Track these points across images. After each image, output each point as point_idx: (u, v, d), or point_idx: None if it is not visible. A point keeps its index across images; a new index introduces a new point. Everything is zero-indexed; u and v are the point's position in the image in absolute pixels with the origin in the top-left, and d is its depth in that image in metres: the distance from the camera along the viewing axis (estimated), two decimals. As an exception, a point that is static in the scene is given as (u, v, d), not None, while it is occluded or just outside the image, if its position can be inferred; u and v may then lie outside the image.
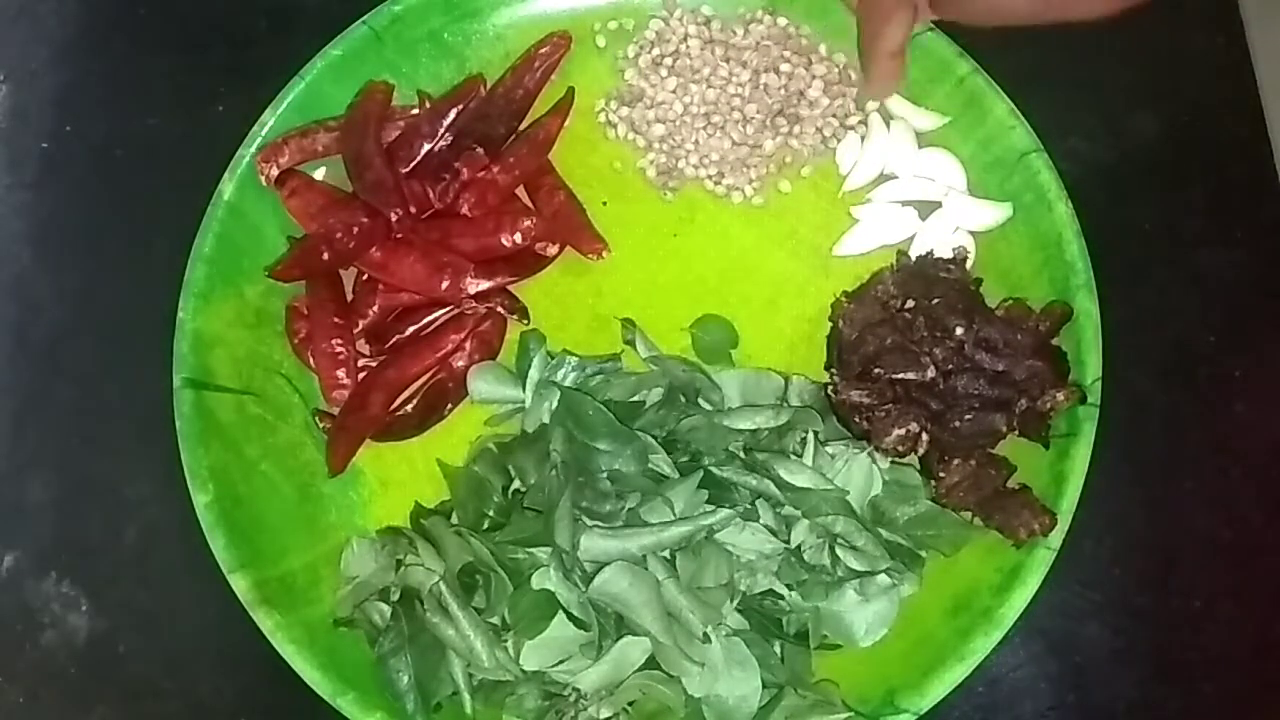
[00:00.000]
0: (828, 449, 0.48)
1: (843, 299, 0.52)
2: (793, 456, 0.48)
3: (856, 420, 0.49)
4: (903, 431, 0.47)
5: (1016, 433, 0.49)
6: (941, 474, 0.48)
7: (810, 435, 0.48)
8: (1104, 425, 0.49)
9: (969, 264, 0.52)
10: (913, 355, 0.48)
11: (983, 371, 0.48)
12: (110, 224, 0.59)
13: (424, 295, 0.54)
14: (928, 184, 0.54)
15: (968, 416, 0.48)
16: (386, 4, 0.56)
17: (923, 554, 0.49)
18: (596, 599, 0.45)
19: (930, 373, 0.48)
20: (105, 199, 0.60)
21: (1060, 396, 0.48)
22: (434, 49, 0.57)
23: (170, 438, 0.50)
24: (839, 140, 0.56)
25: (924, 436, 0.47)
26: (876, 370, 0.48)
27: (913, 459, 0.49)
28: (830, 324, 0.52)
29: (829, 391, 0.50)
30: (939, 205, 0.54)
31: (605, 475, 0.48)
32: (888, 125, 0.56)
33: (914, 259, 0.52)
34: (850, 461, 0.48)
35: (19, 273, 0.59)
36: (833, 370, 0.51)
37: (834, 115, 0.56)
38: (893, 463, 0.49)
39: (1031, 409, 0.48)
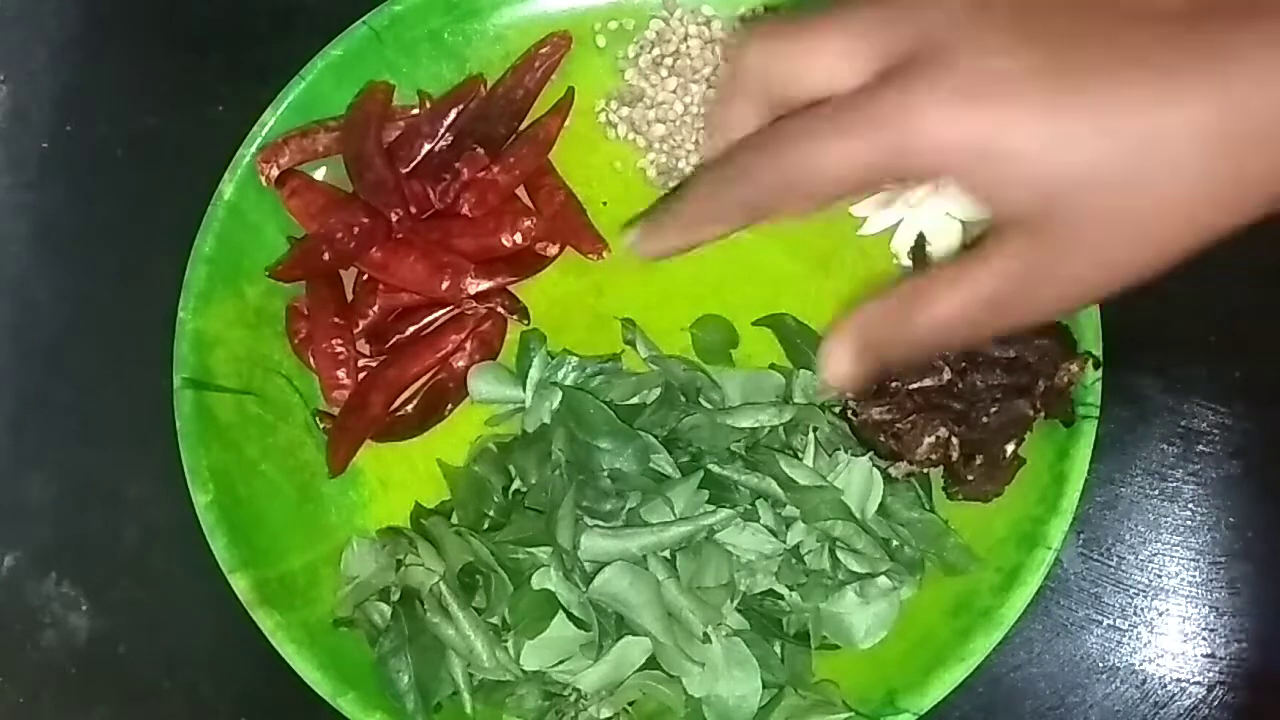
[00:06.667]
0: (834, 453, 0.48)
1: None
2: (797, 456, 0.48)
3: (882, 439, 0.48)
4: (933, 439, 0.47)
5: (1044, 415, 0.48)
6: (970, 477, 0.48)
7: (811, 434, 0.48)
8: (1104, 425, 0.49)
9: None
10: (925, 361, 0.48)
11: (997, 361, 0.48)
12: (110, 224, 0.59)
13: (424, 295, 0.54)
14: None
15: (993, 409, 0.47)
16: (386, 4, 0.56)
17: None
18: (596, 599, 0.45)
19: (946, 375, 0.48)
20: (105, 199, 0.60)
21: (1074, 368, 0.48)
22: (434, 49, 0.57)
23: (170, 438, 0.50)
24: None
25: (954, 440, 0.47)
26: (894, 385, 0.48)
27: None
28: None
29: (848, 415, 0.49)
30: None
31: (606, 474, 0.48)
32: None
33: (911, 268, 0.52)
34: (850, 465, 0.48)
35: (19, 273, 0.59)
36: (847, 394, 0.50)
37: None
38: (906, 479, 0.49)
39: (1051, 387, 0.48)
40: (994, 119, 0.30)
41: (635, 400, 0.51)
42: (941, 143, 0.30)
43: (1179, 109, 0.29)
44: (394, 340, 0.54)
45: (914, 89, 0.30)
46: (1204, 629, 0.52)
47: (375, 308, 0.54)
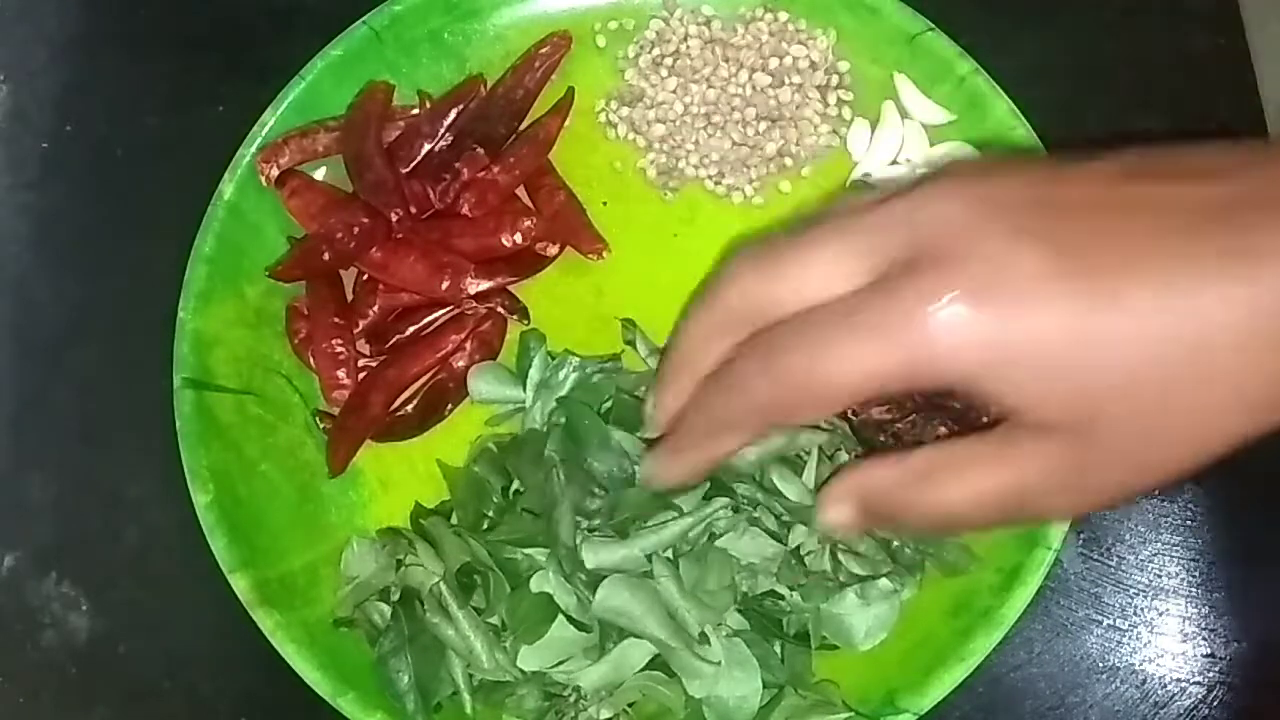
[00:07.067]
0: (838, 456, 0.48)
1: None
2: (800, 458, 0.48)
3: (882, 439, 0.48)
4: (933, 439, 0.47)
5: None
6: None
7: (815, 447, 0.48)
8: (1104, 425, 0.49)
9: None
10: None
11: None
12: (110, 224, 0.59)
13: (424, 295, 0.54)
14: None
15: (993, 408, 0.47)
16: (386, 4, 0.56)
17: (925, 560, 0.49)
18: (601, 615, 0.45)
19: None
20: (105, 199, 0.60)
21: None
22: (434, 49, 0.57)
23: (170, 438, 0.50)
24: (841, 138, 0.56)
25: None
26: None
27: None
28: None
29: (848, 415, 0.49)
30: None
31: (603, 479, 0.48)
32: (901, 117, 0.55)
33: None
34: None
35: (19, 273, 0.59)
36: None
37: (835, 114, 0.56)
38: None
39: None
40: (1017, 320, 0.27)
41: (640, 392, 0.51)
42: (961, 347, 0.28)
43: (1216, 307, 0.27)
44: (394, 340, 0.53)
45: (926, 289, 0.28)
46: (1204, 629, 0.52)
47: (375, 308, 0.54)
